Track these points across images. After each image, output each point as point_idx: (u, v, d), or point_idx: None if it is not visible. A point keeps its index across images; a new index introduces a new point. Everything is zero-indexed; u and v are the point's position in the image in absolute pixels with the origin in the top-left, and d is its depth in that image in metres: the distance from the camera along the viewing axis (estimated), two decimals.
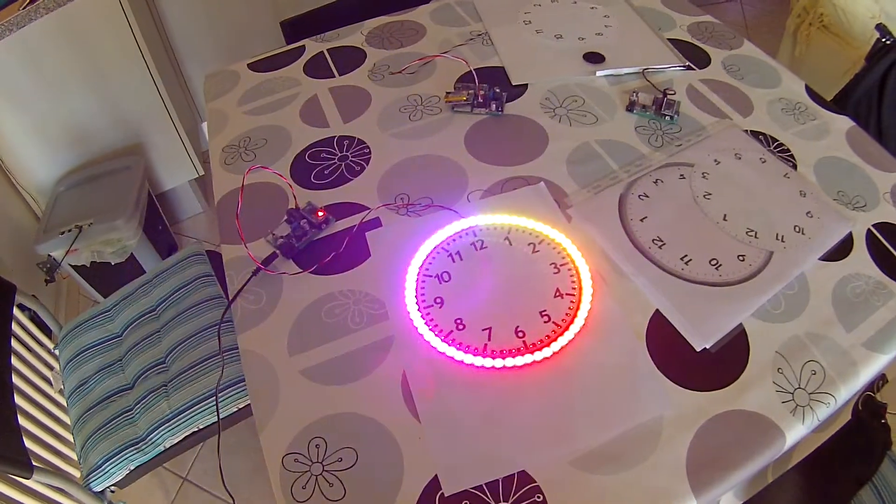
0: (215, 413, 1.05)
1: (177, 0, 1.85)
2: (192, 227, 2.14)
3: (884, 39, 1.33)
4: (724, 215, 0.85)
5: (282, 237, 0.83)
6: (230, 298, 0.79)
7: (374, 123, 1.00)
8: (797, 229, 0.83)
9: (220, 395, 1.06)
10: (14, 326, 1.16)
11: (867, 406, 0.86)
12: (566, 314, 0.73)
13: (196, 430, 1.08)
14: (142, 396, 1.12)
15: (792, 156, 0.95)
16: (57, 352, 1.27)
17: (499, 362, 0.69)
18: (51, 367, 1.26)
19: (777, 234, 0.83)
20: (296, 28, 1.33)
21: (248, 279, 0.80)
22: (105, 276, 1.73)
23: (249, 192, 0.91)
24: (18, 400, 1.09)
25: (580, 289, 0.75)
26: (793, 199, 0.88)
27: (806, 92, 1.07)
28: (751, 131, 0.98)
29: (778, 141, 0.97)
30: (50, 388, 1.22)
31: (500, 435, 0.65)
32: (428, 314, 0.74)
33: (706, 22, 1.23)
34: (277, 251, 0.82)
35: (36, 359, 1.24)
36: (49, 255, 1.61)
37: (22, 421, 1.05)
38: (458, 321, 0.73)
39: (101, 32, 1.64)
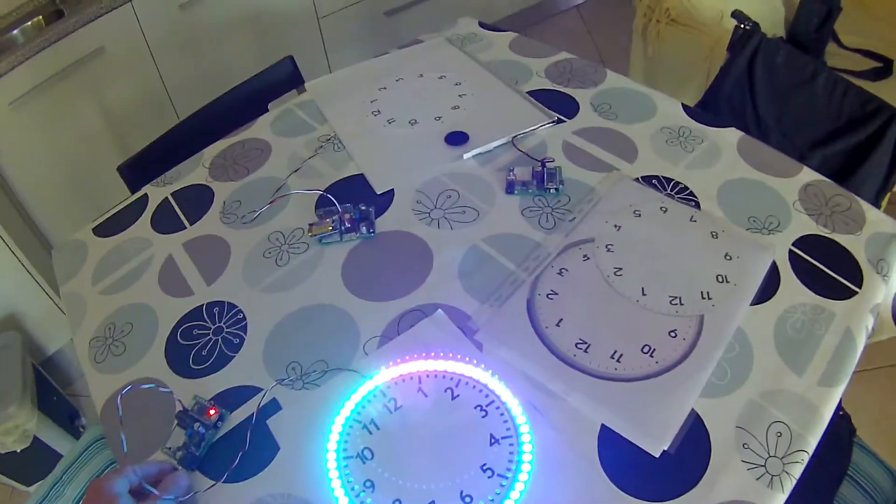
0: None
1: (14, 155, 1.88)
2: (87, 385, 2.07)
3: (742, 25, 1.41)
4: (642, 289, 0.87)
5: (179, 448, 0.80)
6: None
7: (240, 279, 0.98)
8: (720, 279, 0.87)
9: None
10: None
11: None
12: (509, 462, 0.73)
13: None
14: None
15: (692, 193, 0.99)
16: None
17: None
18: None
19: (702, 293, 0.86)
20: (135, 170, 1.30)
21: None
22: (15, 464, 1.75)
23: (129, 396, 0.87)
24: None
25: (515, 427, 0.75)
26: (706, 244, 0.92)
27: (684, 111, 1.12)
28: (642, 178, 1.02)
29: (673, 180, 1.01)
30: None
31: None
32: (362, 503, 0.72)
33: (563, 60, 1.28)
34: (178, 468, 0.79)
35: None
36: None
37: None
38: (397, 503, 0.72)
39: None
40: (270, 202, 1.09)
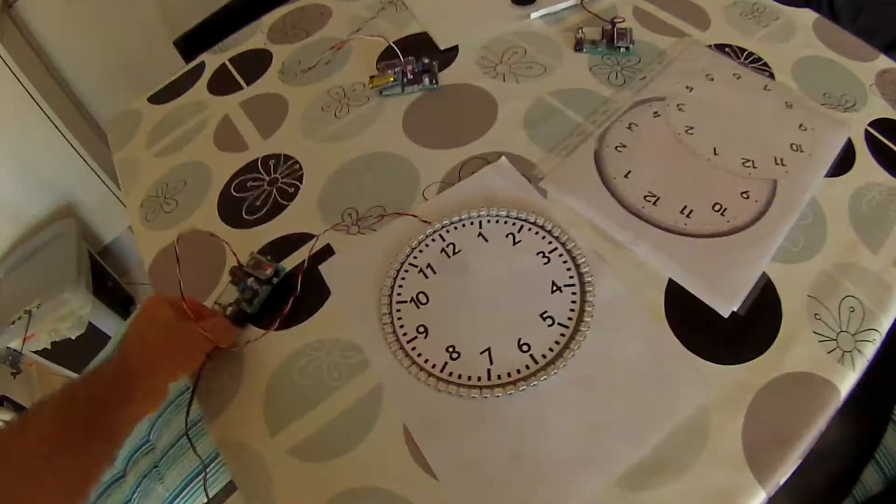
0: (218, 479, 0.98)
1: (68, 48, 1.81)
2: (144, 273, 2.07)
3: None
4: (714, 149, 0.81)
5: (230, 304, 0.74)
6: (191, 392, 0.70)
7: (298, 132, 0.94)
8: (794, 147, 0.80)
9: (211, 466, 0.99)
10: None
11: None
12: (570, 311, 0.67)
13: (205, 500, 1.02)
14: (136, 484, 1.06)
15: (766, 64, 0.92)
16: None
17: (509, 389, 0.63)
18: None
19: (776, 158, 0.80)
20: (191, 44, 1.25)
21: (202, 365, 0.70)
22: (70, 351, 1.75)
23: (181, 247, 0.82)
24: None
25: (579, 276, 0.69)
26: (780, 113, 0.85)
27: None
28: (715, 46, 0.94)
29: (747, 51, 0.94)
30: None
31: (531, 473, 0.60)
32: (414, 349, 0.68)
33: None
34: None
35: None
36: (8, 347, 1.63)
37: None
38: (450, 349, 0.67)
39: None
40: (330, 49, 1.04)
